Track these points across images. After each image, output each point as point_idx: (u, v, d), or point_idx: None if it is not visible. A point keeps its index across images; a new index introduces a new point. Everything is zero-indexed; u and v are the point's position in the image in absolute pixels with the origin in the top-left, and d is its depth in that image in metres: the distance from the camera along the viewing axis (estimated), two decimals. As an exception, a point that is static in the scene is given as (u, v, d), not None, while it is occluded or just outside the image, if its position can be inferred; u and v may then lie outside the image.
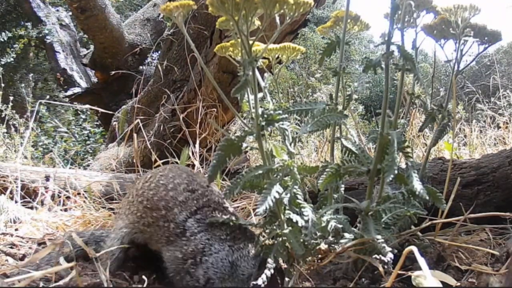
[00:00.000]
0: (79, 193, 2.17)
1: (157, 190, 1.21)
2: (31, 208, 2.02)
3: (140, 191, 1.25)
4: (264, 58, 1.35)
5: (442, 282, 1.01)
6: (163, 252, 1.15)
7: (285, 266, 1.21)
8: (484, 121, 3.83)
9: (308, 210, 1.15)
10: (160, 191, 1.20)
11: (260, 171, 1.11)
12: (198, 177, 1.26)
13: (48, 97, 6.14)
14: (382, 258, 1.09)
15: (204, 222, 1.12)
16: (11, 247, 1.54)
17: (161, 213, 1.16)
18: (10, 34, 5.73)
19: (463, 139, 3.55)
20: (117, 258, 1.25)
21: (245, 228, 1.14)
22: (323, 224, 1.20)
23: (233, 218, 1.14)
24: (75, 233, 1.43)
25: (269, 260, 1.10)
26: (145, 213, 1.20)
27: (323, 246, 1.24)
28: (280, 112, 1.10)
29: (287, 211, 1.16)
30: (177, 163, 2.25)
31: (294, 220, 1.13)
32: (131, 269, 1.31)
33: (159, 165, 2.16)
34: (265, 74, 1.89)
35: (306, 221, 1.14)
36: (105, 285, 1.14)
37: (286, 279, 1.16)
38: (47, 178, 2.21)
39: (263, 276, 1.05)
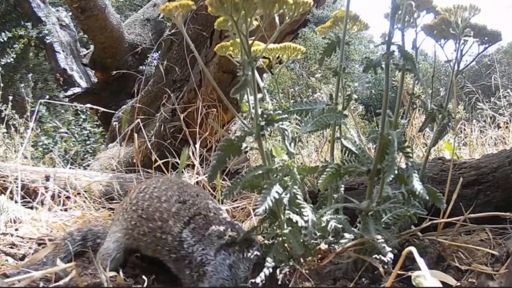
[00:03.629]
0: (79, 193, 2.17)
1: (151, 201, 1.26)
2: (31, 208, 2.01)
3: (134, 201, 1.30)
4: (265, 57, 1.35)
5: (442, 282, 1.01)
6: (171, 266, 1.22)
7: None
8: (484, 121, 3.83)
9: (307, 210, 1.15)
10: (154, 203, 1.26)
11: (260, 171, 1.11)
12: (188, 188, 1.32)
13: (48, 97, 6.14)
14: (382, 258, 1.09)
15: (198, 231, 1.17)
16: (11, 247, 1.54)
17: (157, 224, 1.22)
18: (10, 34, 5.73)
19: (463, 139, 3.55)
20: (114, 259, 1.28)
21: (237, 230, 1.17)
22: (323, 224, 1.19)
23: (225, 222, 1.19)
24: (75, 231, 1.45)
25: (268, 259, 1.10)
26: (140, 222, 1.26)
27: (323, 246, 1.24)
28: (280, 112, 1.10)
29: (286, 211, 1.16)
30: (177, 163, 2.25)
31: (294, 220, 1.13)
32: (131, 272, 1.32)
33: (159, 165, 2.17)
34: (264, 75, 1.88)
35: (306, 221, 1.14)
36: (105, 285, 1.14)
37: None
38: (47, 178, 2.21)
39: (261, 274, 1.05)
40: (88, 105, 3.52)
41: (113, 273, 1.19)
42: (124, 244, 1.31)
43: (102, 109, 3.12)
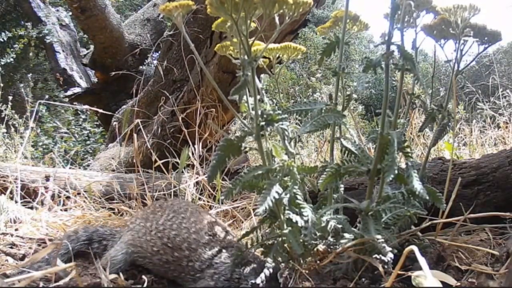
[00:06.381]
0: (79, 193, 2.17)
1: (179, 231, 1.26)
2: (31, 208, 2.01)
3: (161, 227, 1.30)
4: (265, 57, 1.35)
5: (442, 282, 1.01)
6: (189, 285, 1.23)
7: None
8: (484, 121, 3.83)
9: (307, 210, 1.15)
10: (182, 233, 1.26)
11: (260, 172, 1.11)
12: (217, 224, 1.32)
13: (47, 97, 6.14)
14: (382, 258, 1.09)
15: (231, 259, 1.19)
16: (11, 247, 1.54)
17: (184, 253, 1.22)
18: (10, 34, 5.74)
19: (463, 139, 3.55)
20: (119, 268, 1.29)
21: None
22: (323, 224, 1.19)
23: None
24: (81, 230, 1.45)
25: (268, 259, 1.10)
26: (164, 250, 1.26)
27: (321, 247, 1.24)
28: (280, 112, 1.10)
29: (286, 211, 1.16)
30: (177, 163, 2.25)
31: (294, 220, 1.13)
32: (131, 272, 1.32)
33: (159, 165, 2.16)
34: (261, 75, 1.88)
35: (306, 221, 1.14)
36: (105, 285, 1.14)
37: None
38: (47, 178, 2.21)
39: (262, 275, 1.05)
40: (87, 107, 3.52)
41: (113, 276, 1.19)
42: (133, 260, 1.31)
43: (101, 110, 3.12)
